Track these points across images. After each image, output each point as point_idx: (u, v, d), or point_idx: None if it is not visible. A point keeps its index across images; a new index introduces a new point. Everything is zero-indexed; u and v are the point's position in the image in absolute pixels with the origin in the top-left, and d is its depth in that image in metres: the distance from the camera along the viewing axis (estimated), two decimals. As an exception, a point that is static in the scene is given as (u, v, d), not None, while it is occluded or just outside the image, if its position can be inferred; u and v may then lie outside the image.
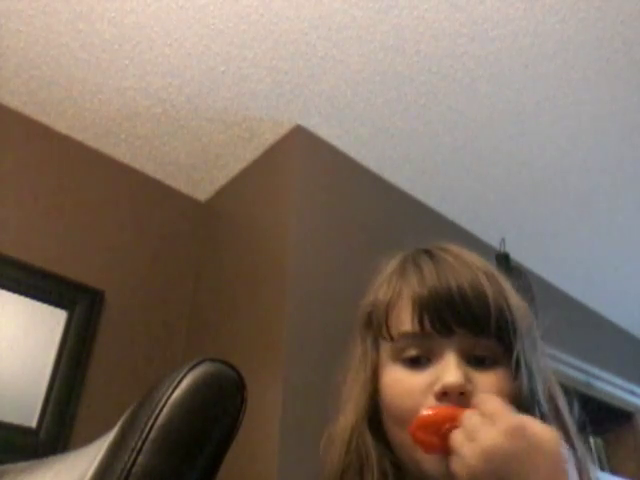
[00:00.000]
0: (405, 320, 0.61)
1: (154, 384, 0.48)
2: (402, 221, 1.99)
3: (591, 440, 1.76)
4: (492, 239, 2.17)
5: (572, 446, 0.59)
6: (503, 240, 1.91)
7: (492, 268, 0.67)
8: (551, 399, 0.63)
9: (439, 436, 0.53)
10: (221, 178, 2.03)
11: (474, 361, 0.59)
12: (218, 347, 1.67)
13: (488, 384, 0.57)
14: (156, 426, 0.44)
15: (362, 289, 1.80)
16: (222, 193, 2.06)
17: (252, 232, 1.82)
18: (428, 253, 0.67)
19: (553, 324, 2.33)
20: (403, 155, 1.94)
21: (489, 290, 0.61)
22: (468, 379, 0.57)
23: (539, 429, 0.48)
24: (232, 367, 0.52)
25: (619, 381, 1.74)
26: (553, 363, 1.54)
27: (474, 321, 0.59)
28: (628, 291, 2.65)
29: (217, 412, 0.48)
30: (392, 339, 0.62)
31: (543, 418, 0.58)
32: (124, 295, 1.77)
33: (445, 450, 0.53)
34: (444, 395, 0.56)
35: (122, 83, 1.71)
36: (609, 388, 1.70)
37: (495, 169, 2.02)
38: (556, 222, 2.27)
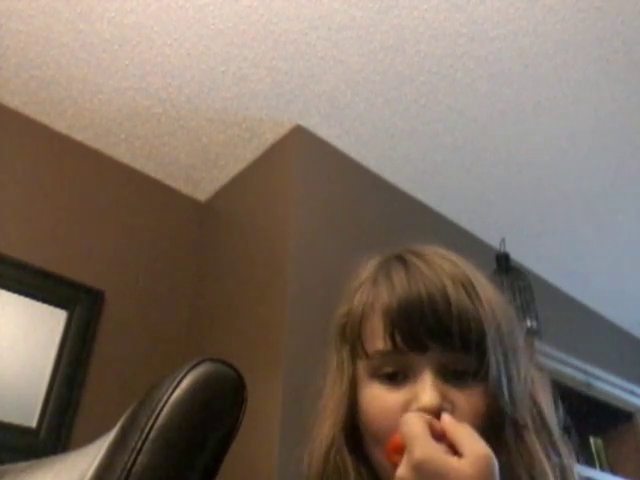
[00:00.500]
0: (378, 336, 0.59)
1: (154, 384, 0.48)
2: (402, 221, 1.99)
3: (591, 440, 1.75)
4: (492, 239, 2.17)
5: (556, 453, 0.58)
6: (503, 240, 1.91)
7: (469, 272, 0.63)
8: (534, 405, 0.61)
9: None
10: (221, 178, 2.03)
11: (452, 377, 0.57)
12: (218, 347, 1.67)
13: (466, 402, 0.56)
14: (156, 426, 0.44)
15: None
16: (222, 193, 2.06)
17: (252, 232, 1.82)
18: (401, 260, 0.64)
19: (553, 324, 2.34)
20: (403, 155, 1.94)
21: (461, 301, 0.58)
22: (445, 398, 0.56)
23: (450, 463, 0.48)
24: (232, 367, 0.52)
25: (619, 381, 1.74)
26: (552, 362, 1.54)
27: (447, 336, 0.56)
28: (628, 291, 2.64)
29: (217, 412, 0.48)
30: (367, 356, 0.60)
31: (521, 429, 0.57)
32: (124, 295, 1.77)
33: None
34: None
35: (122, 83, 1.71)
36: (609, 388, 1.70)
37: (495, 169, 2.02)
38: (556, 222, 2.27)
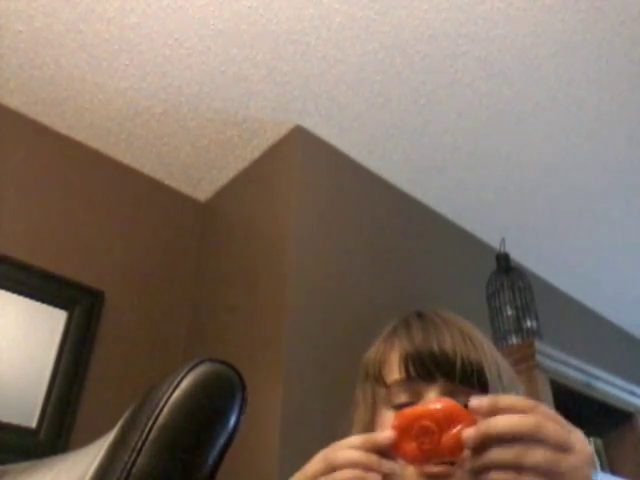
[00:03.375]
0: (395, 370, 0.72)
1: (154, 384, 0.48)
2: (402, 221, 1.99)
3: (591, 440, 1.75)
4: (492, 239, 2.17)
5: None
6: (503, 240, 1.91)
7: (478, 333, 0.76)
8: None
9: (412, 438, 0.51)
10: (221, 178, 2.03)
11: None
12: (218, 347, 1.67)
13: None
14: (156, 426, 0.44)
15: (362, 289, 1.80)
16: (222, 193, 2.06)
17: (252, 232, 1.82)
18: (419, 314, 0.78)
19: (553, 324, 2.33)
20: (403, 155, 1.94)
21: (467, 348, 0.70)
22: None
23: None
24: (232, 367, 0.52)
25: (619, 381, 1.73)
26: (552, 362, 1.54)
27: (452, 369, 0.68)
28: (628, 291, 2.65)
29: (217, 412, 0.48)
30: (385, 385, 0.72)
31: None
32: (124, 295, 1.77)
33: (422, 457, 0.51)
34: None
35: (122, 83, 1.71)
36: (609, 388, 1.70)
37: (495, 169, 2.02)
38: (556, 222, 2.27)
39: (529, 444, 0.46)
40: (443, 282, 1.98)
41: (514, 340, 1.70)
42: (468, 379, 0.68)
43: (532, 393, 1.48)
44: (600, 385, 1.67)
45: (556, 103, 1.78)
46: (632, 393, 1.76)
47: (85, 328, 1.63)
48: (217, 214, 2.05)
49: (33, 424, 1.46)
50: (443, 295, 1.91)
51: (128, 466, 0.42)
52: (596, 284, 2.59)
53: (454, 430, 0.49)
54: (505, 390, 0.69)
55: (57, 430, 1.48)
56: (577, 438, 0.48)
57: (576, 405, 1.66)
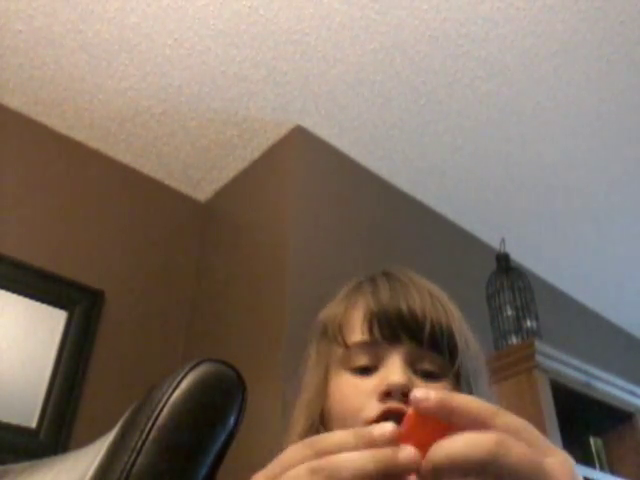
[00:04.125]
0: (357, 330, 0.64)
1: (154, 384, 0.48)
2: (402, 221, 1.99)
3: (591, 440, 1.75)
4: (492, 239, 2.17)
5: None
6: (503, 240, 1.91)
7: (446, 297, 0.70)
8: None
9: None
10: (221, 178, 2.03)
11: (421, 374, 0.61)
12: (218, 347, 1.67)
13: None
14: (156, 426, 0.44)
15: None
16: (222, 193, 2.06)
17: (252, 232, 1.82)
18: (386, 273, 0.70)
19: (553, 324, 2.33)
20: (403, 155, 1.94)
21: (437, 310, 0.64)
22: (413, 384, 0.58)
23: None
24: (232, 367, 0.52)
25: (619, 381, 1.73)
26: (552, 362, 1.54)
27: (420, 331, 0.61)
28: (628, 291, 2.64)
29: (217, 412, 0.48)
30: (345, 346, 0.64)
31: None
32: (124, 295, 1.77)
33: None
34: (387, 395, 0.57)
35: (122, 83, 1.71)
36: (609, 388, 1.70)
37: (495, 169, 2.02)
38: (556, 222, 2.27)
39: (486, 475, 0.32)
40: (443, 282, 1.98)
41: (514, 340, 1.70)
42: (436, 344, 0.61)
43: (532, 393, 1.48)
44: (600, 385, 1.67)
45: (556, 103, 1.78)
46: (632, 393, 1.76)
47: (85, 328, 1.63)
48: (217, 214, 2.05)
49: (33, 424, 1.46)
50: (443, 295, 1.90)
51: (128, 466, 0.42)
52: (596, 284, 2.59)
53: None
54: (472, 363, 0.64)
55: (57, 430, 1.48)
56: (555, 463, 0.34)
57: (576, 405, 1.66)
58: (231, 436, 0.49)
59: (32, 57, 1.64)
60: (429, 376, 0.60)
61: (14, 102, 1.76)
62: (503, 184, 2.08)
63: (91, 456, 0.47)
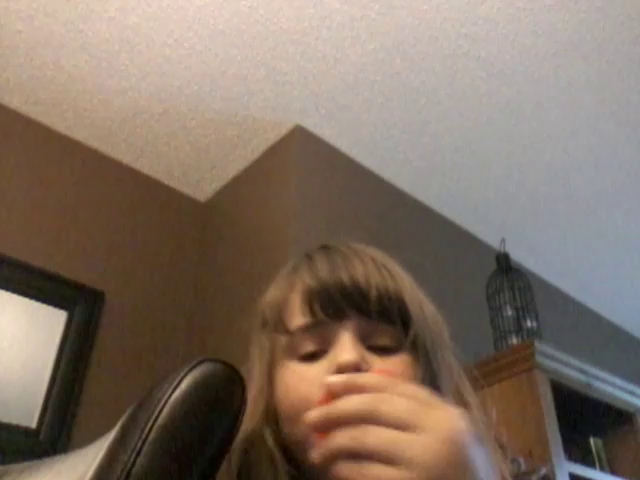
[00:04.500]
0: (297, 313, 0.57)
1: (154, 384, 0.48)
2: (402, 221, 1.98)
3: (591, 440, 1.75)
4: (492, 239, 2.17)
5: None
6: (503, 240, 1.91)
7: (393, 265, 0.62)
8: (459, 395, 0.57)
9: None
10: (221, 178, 2.03)
11: (376, 349, 0.54)
12: (218, 347, 1.67)
13: (390, 369, 0.52)
14: (156, 426, 0.44)
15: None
16: (222, 193, 2.06)
17: (252, 232, 1.82)
18: (324, 247, 0.64)
19: (553, 324, 2.32)
20: (403, 155, 1.94)
21: (383, 277, 0.57)
22: (366, 361, 0.52)
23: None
24: (232, 367, 0.52)
25: (619, 381, 1.73)
26: (552, 362, 1.54)
27: (366, 302, 0.54)
28: (628, 291, 2.64)
29: (217, 412, 0.48)
30: (287, 333, 0.57)
31: None
32: (124, 295, 1.77)
33: None
34: None
35: (122, 83, 1.71)
36: (609, 388, 1.70)
37: (495, 169, 2.02)
38: (556, 222, 2.27)
39: (368, 426, 0.38)
40: (443, 282, 1.98)
41: (514, 340, 1.70)
42: (387, 314, 0.54)
43: (532, 393, 1.48)
44: (600, 385, 1.67)
45: (556, 103, 1.78)
46: (632, 393, 1.76)
47: (85, 328, 1.63)
48: (217, 214, 2.05)
49: (33, 424, 1.46)
50: (443, 295, 1.90)
51: (128, 466, 0.41)
52: (596, 284, 2.59)
53: None
54: (429, 330, 0.57)
55: (57, 430, 1.48)
56: (434, 415, 0.39)
57: (576, 405, 1.66)
58: (231, 436, 0.49)
59: (32, 57, 1.64)
60: (384, 350, 0.54)
61: (14, 102, 1.76)
62: (503, 184, 2.08)
63: (91, 456, 0.47)
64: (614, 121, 1.84)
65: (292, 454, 0.53)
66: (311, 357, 0.55)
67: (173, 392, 0.46)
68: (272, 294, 0.63)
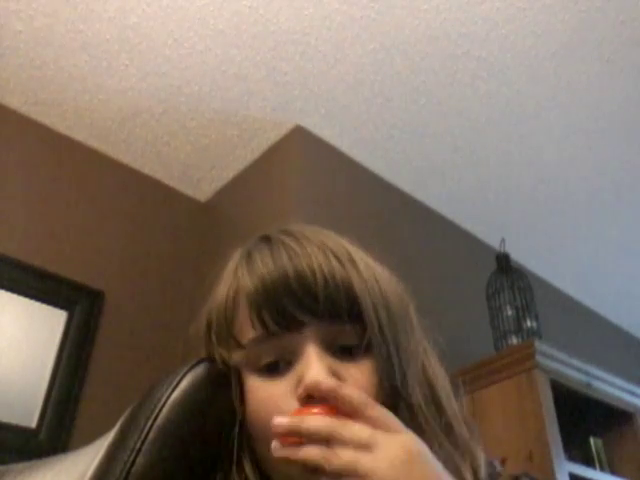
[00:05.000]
0: (247, 325, 0.51)
1: (153, 384, 0.48)
2: (402, 221, 1.98)
3: (591, 440, 1.75)
4: (492, 239, 2.17)
5: (450, 435, 0.51)
6: (503, 240, 1.91)
7: (346, 245, 0.58)
8: (428, 384, 0.54)
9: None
10: (221, 178, 2.03)
11: (340, 352, 0.50)
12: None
13: (358, 377, 0.49)
14: (155, 426, 0.44)
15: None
16: (222, 193, 2.06)
17: (252, 232, 1.81)
18: (265, 240, 0.58)
19: (553, 324, 2.32)
20: (403, 155, 1.94)
21: (331, 267, 0.51)
22: (336, 373, 0.48)
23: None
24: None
25: (619, 381, 1.73)
26: (552, 362, 1.54)
27: (322, 306, 0.49)
28: (628, 291, 2.64)
29: (216, 412, 0.48)
30: (241, 347, 0.52)
31: (412, 408, 0.50)
32: (124, 295, 1.77)
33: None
34: (310, 397, 0.46)
35: (122, 83, 1.71)
36: (609, 388, 1.70)
37: (495, 169, 2.02)
38: (556, 222, 2.27)
39: (335, 445, 0.41)
40: (443, 282, 1.98)
41: (514, 340, 1.70)
42: (340, 314, 0.50)
43: (532, 393, 1.48)
44: (600, 385, 1.67)
45: (556, 103, 1.77)
46: (632, 393, 1.76)
47: (85, 328, 1.63)
48: (217, 214, 2.05)
49: (33, 424, 1.46)
50: (443, 295, 1.91)
51: (127, 466, 0.42)
52: (596, 284, 2.59)
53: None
54: (391, 322, 0.52)
55: (57, 430, 1.48)
56: (385, 437, 0.42)
57: (576, 405, 1.66)
58: (230, 434, 0.49)
59: (32, 57, 1.64)
60: (349, 353, 0.50)
61: (14, 102, 1.76)
62: (503, 184, 2.08)
63: (91, 456, 0.47)
64: (614, 121, 1.84)
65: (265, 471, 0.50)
66: (273, 368, 0.50)
67: (172, 392, 0.46)
68: (216, 304, 0.57)
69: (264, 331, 0.50)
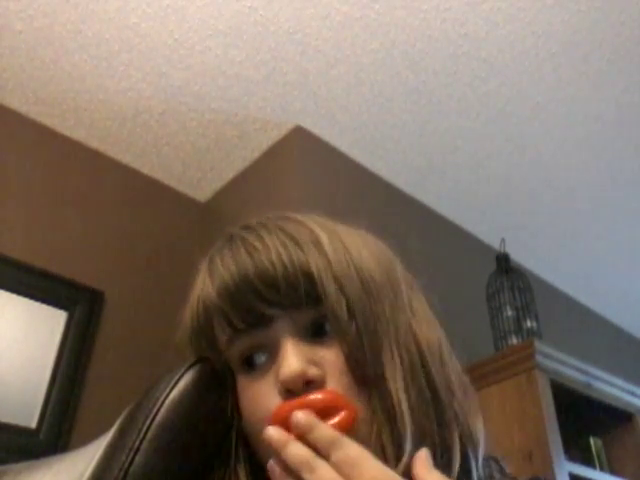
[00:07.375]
0: (219, 328, 0.52)
1: (152, 384, 0.48)
2: (402, 221, 1.98)
3: (591, 440, 1.75)
4: (492, 239, 2.17)
5: (438, 406, 0.49)
6: (503, 240, 1.91)
7: (308, 225, 0.57)
8: (417, 350, 0.51)
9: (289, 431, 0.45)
10: (221, 178, 2.03)
11: (314, 333, 0.50)
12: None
13: (330, 358, 0.49)
14: (154, 426, 0.44)
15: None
16: (222, 193, 2.06)
17: (252, 232, 1.82)
18: (228, 239, 0.60)
19: (553, 324, 2.32)
20: (403, 155, 1.94)
21: (291, 256, 0.51)
22: (312, 359, 0.48)
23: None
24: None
25: (619, 381, 1.73)
26: (552, 363, 1.54)
27: (285, 296, 0.49)
28: (628, 291, 2.64)
29: (215, 411, 0.48)
30: (220, 352, 0.52)
31: (385, 385, 0.48)
32: (124, 295, 1.77)
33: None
34: (289, 392, 0.47)
35: (122, 83, 1.71)
36: (609, 388, 1.70)
37: (495, 169, 2.02)
38: (556, 222, 2.27)
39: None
40: (443, 282, 1.98)
41: (514, 340, 1.70)
42: (298, 299, 0.49)
43: (532, 393, 1.48)
44: (600, 385, 1.67)
45: (556, 103, 1.77)
46: (632, 393, 1.76)
47: (85, 328, 1.63)
48: (217, 214, 2.05)
49: (33, 424, 1.46)
50: (443, 295, 1.90)
51: (126, 465, 0.42)
52: (596, 284, 2.59)
53: (332, 420, 0.46)
54: (371, 294, 0.51)
55: (57, 430, 1.48)
56: (365, 472, 0.42)
57: (576, 405, 1.66)
58: (228, 434, 0.49)
59: (32, 57, 1.64)
60: (322, 331, 0.50)
61: (14, 102, 1.76)
62: (503, 184, 2.08)
63: (90, 455, 0.47)
64: (614, 121, 1.84)
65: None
66: (257, 365, 0.50)
67: (171, 391, 0.46)
68: (190, 310, 0.57)
69: (235, 332, 0.50)
